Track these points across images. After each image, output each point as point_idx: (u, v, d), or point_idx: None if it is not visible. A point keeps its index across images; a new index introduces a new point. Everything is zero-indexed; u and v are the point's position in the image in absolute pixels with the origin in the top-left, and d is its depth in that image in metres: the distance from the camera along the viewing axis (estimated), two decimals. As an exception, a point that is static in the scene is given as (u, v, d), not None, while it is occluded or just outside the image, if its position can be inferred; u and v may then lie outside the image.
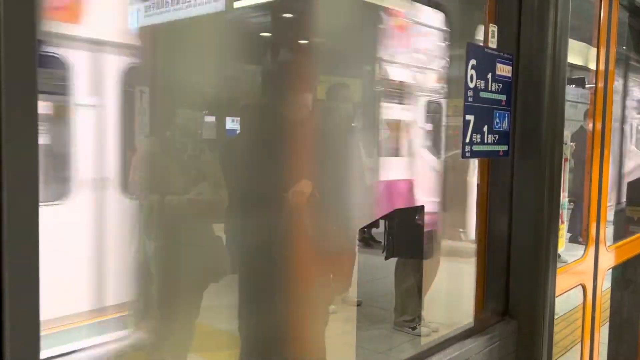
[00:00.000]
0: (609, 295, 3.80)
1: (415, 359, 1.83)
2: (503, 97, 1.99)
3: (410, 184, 4.41)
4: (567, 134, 2.58)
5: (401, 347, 4.28)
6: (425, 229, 3.22)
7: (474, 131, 1.84)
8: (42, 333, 0.87)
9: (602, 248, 2.98)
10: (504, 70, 1.96)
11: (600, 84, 2.97)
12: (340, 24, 2.73)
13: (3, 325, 0.76)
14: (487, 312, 2.17)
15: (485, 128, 1.91)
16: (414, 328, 4.28)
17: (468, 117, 1.82)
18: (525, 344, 2.09)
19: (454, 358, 1.86)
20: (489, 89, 1.90)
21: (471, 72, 1.78)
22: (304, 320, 2.40)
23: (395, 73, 6.40)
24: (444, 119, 5.22)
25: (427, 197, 4.11)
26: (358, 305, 3.78)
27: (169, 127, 2.61)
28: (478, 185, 2.22)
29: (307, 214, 2.41)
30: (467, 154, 1.84)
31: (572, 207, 7.54)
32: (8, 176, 0.74)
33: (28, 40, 0.76)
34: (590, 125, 2.95)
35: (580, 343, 2.95)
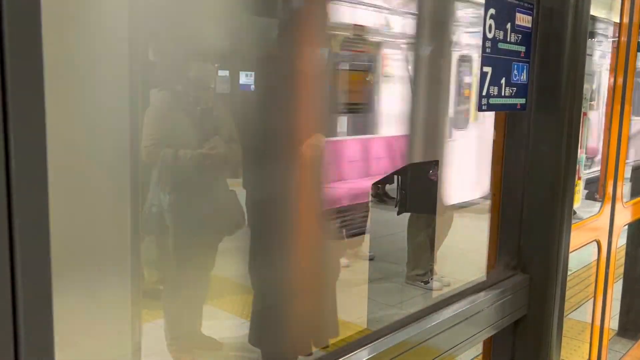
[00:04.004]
0: (623, 252, 3.79)
1: (427, 312, 1.84)
2: (522, 49, 1.94)
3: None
4: (587, 88, 2.52)
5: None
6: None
7: (491, 83, 1.80)
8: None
9: (618, 205, 2.95)
10: (523, 20, 1.90)
11: (624, 38, 2.88)
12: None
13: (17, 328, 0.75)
14: (500, 266, 2.17)
15: (503, 80, 1.86)
16: (426, 282, 4.31)
17: (485, 68, 1.77)
18: (537, 299, 2.10)
19: (466, 311, 1.87)
20: (508, 39, 1.84)
21: (489, 21, 1.73)
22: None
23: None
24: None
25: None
26: (370, 259, 3.81)
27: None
28: (494, 139, 2.19)
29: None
30: (484, 107, 1.80)
31: (589, 163, 7.46)
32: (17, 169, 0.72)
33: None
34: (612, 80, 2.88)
35: (593, 299, 2.96)
